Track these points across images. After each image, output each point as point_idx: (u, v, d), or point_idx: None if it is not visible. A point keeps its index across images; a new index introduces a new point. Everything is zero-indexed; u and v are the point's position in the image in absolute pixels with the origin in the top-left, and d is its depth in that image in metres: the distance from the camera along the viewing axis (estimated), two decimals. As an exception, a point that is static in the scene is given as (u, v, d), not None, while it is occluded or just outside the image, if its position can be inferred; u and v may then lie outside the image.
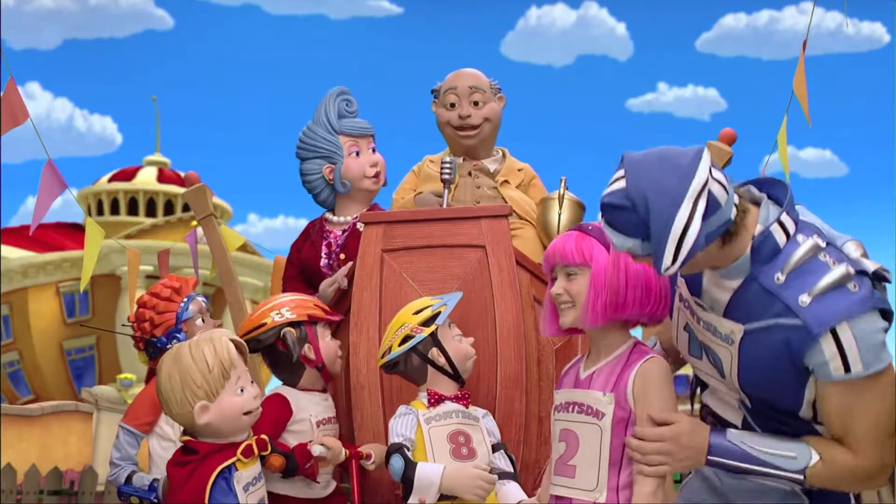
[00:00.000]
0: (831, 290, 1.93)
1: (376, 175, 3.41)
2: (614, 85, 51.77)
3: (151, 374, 3.51)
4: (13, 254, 22.07)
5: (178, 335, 3.19)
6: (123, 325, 3.52)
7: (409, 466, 2.45)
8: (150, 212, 24.67)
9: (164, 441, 3.15)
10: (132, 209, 24.74)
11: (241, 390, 2.35)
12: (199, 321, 3.26)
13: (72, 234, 22.55)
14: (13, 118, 3.61)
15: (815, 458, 2.02)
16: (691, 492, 2.21)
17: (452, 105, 3.58)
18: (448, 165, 3.18)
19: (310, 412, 2.76)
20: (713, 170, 1.91)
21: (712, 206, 1.89)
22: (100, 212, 24.38)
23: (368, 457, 2.71)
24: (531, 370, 2.88)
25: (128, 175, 25.35)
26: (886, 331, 1.99)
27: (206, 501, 2.24)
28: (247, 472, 2.35)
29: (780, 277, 1.96)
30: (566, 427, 2.26)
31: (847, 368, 1.92)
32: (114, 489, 7.52)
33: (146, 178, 25.14)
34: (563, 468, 2.25)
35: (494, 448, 2.61)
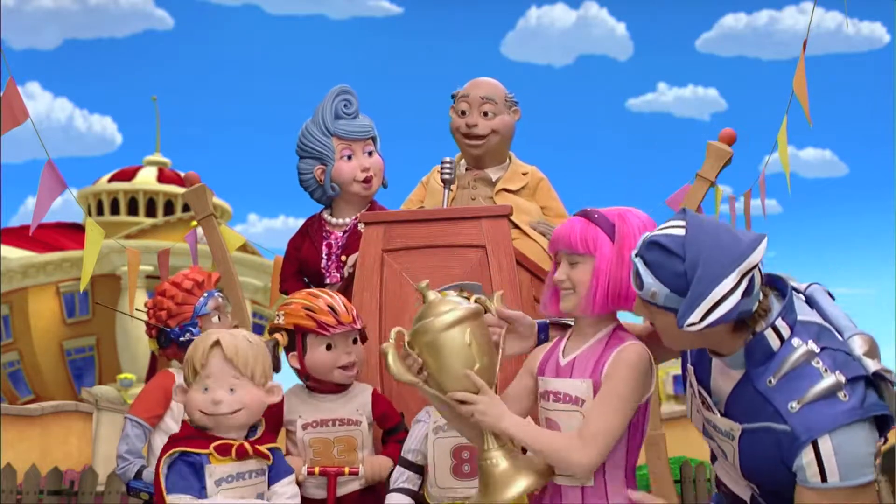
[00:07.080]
0: (821, 398, 1.95)
1: (366, 180, 3.37)
2: (614, 85, 51.83)
3: (152, 368, 3.49)
4: (13, 254, 22.07)
5: (191, 329, 3.18)
6: (138, 309, 3.50)
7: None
8: (150, 212, 24.67)
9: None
10: (132, 209, 24.74)
11: (206, 389, 2.37)
12: (215, 318, 3.25)
13: (72, 234, 22.55)
14: (13, 118, 3.59)
15: None
16: None
17: (463, 112, 3.52)
18: (448, 165, 3.18)
19: (298, 413, 2.72)
20: (762, 262, 1.99)
21: (749, 289, 1.96)
22: (100, 212, 24.38)
23: (354, 473, 2.66)
24: (531, 370, 2.87)
25: (128, 175, 25.35)
26: (880, 442, 1.98)
27: (160, 475, 2.34)
28: (222, 468, 2.36)
29: (772, 381, 2.00)
30: (549, 416, 2.27)
31: (824, 478, 1.93)
32: (114, 489, 7.50)
33: (146, 178, 25.14)
34: None
35: None
